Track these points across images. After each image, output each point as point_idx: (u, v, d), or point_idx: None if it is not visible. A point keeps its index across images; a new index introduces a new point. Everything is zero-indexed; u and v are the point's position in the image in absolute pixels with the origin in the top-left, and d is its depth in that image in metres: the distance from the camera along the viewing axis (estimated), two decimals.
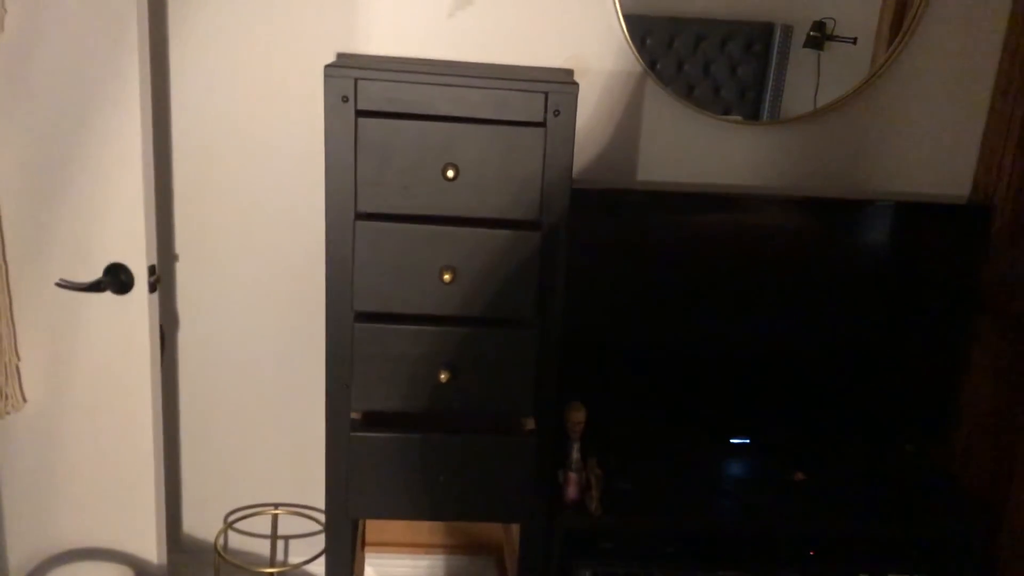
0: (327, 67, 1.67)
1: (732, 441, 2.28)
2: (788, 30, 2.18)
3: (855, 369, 2.25)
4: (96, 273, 1.90)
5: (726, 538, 2.10)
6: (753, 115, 2.23)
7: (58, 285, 1.91)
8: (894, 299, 2.22)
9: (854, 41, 2.18)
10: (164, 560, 2.11)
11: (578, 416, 1.98)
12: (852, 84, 2.20)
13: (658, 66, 2.17)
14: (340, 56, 2.13)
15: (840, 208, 2.19)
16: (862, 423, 2.29)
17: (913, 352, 2.25)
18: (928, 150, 2.28)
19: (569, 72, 2.15)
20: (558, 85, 1.69)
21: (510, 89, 1.69)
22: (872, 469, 2.27)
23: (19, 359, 1.99)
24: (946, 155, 2.29)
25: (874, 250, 2.20)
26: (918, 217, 2.20)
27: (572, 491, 2.01)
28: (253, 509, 2.48)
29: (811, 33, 2.17)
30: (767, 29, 2.18)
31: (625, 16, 2.12)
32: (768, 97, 2.22)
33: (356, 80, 1.67)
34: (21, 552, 2.14)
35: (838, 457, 2.30)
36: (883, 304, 2.22)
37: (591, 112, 2.20)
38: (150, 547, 2.09)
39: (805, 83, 2.21)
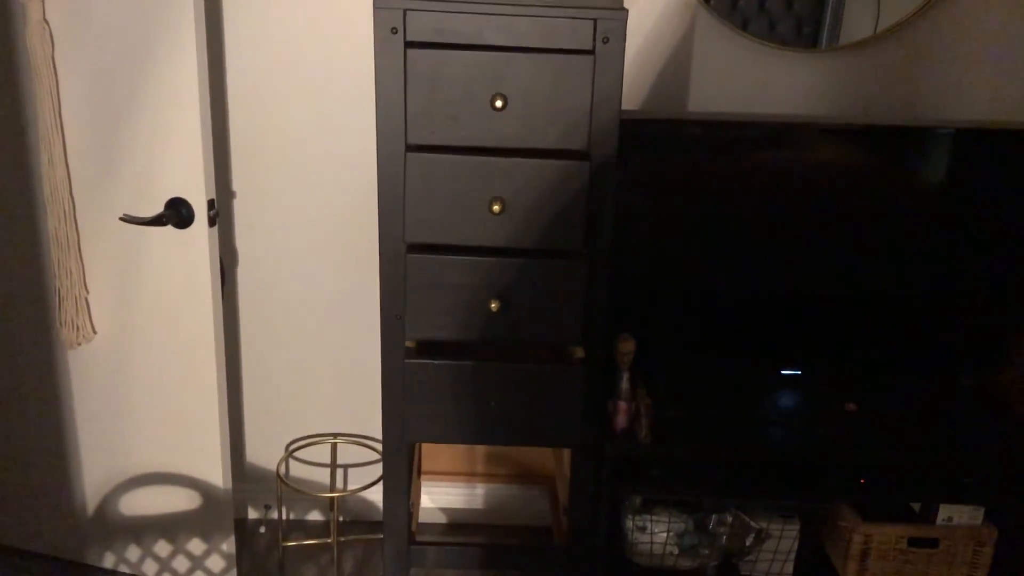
0: None
1: (783, 372, 2.27)
2: None
3: (909, 301, 2.22)
4: (158, 208, 1.96)
5: (775, 466, 2.11)
6: (811, 44, 2.18)
7: (122, 219, 1.97)
8: (953, 230, 2.17)
9: None
10: (229, 486, 2.20)
11: (627, 347, 1.99)
12: (911, 9, 2.14)
13: (711, 2, 2.13)
14: None
15: (899, 136, 2.13)
16: (916, 355, 2.27)
17: (970, 283, 2.21)
18: (990, 76, 2.21)
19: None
20: (607, 12, 1.68)
21: (558, 16, 1.68)
22: (925, 401, 2.25)
23: (88, 292, 2.07)
24: (1008, 80, 2.22)
25: (934, 179, 2.15)
26: (980, 144, 2.14)
27: (622, 420, 2.04)
28: (313, 439, 2.56)
29: None
30: None
31: None
32: (826, 26, 2.17)
33: (405, 11, 1.68)
34: (95, 476, 2.25)
35: (891, 389, 2.28)
36: (941, 235, 2.18)
37: (642, 41, 2.18)
38: (216, 473, 2.18)
39: (864, 11, 2.15)
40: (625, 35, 1.69)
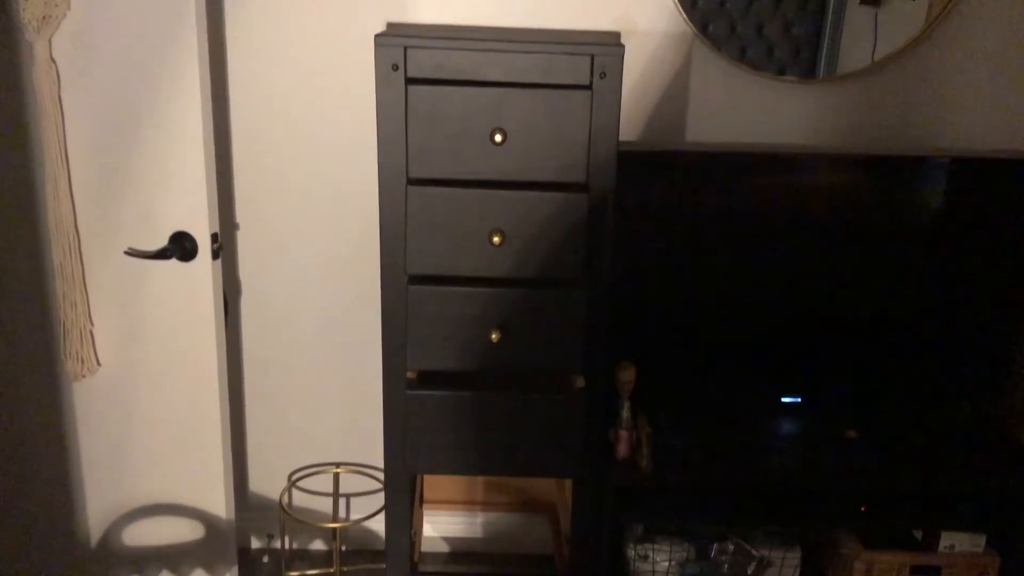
0: (377, 36, 1.71)
1: (783, 400, 2.28)
2: None
3: (909, 328, 2.23)
4: (162, 241, 1.99)
5: (776, 494, 2.11)
6: (808, 74, 2.20)
7: (127, 253, 1.99)
8: (951, 256, 2.19)
9: None
10: (232, 516, 2.20)
11: (628, 375, 2.01)
12: (908, 39, 2.16)
13: (710, 28, 2.16)
14: (390, 25, 2.17)
15: (896, 165, 2.16)
16: (916, 381, 2.27)
17: (969, 310, 2.23)
18: (987, 104, 2.24)
19: (616, 35, 2.15)
20: (604, 47, 1.71)
21: (556, 53, 1.71)
22: (926, 427, 2.26)
23: (92, 324, 2.09)
24: (1005, 109, 2.24)
25: (930, 207, 2.17)
26: (975, 173, 2.16)
27: (623, 449, 2.05)
28: (315, 468, 2.57)
29: None
30: None
31: None
32: (824, 55, 2.19)
33: (406, 48, 1.71)
34: (99, 507, 2.26)
35: (891, 416, 2.29)
36: (939, 261, 2.19)
37: (640, 73, 2.20)
38: (219, 503, 2.18)
39: (862, 41, 2.18)
40: (622, 70, 1.72)
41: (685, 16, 2.14)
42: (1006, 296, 2.22)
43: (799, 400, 2.28)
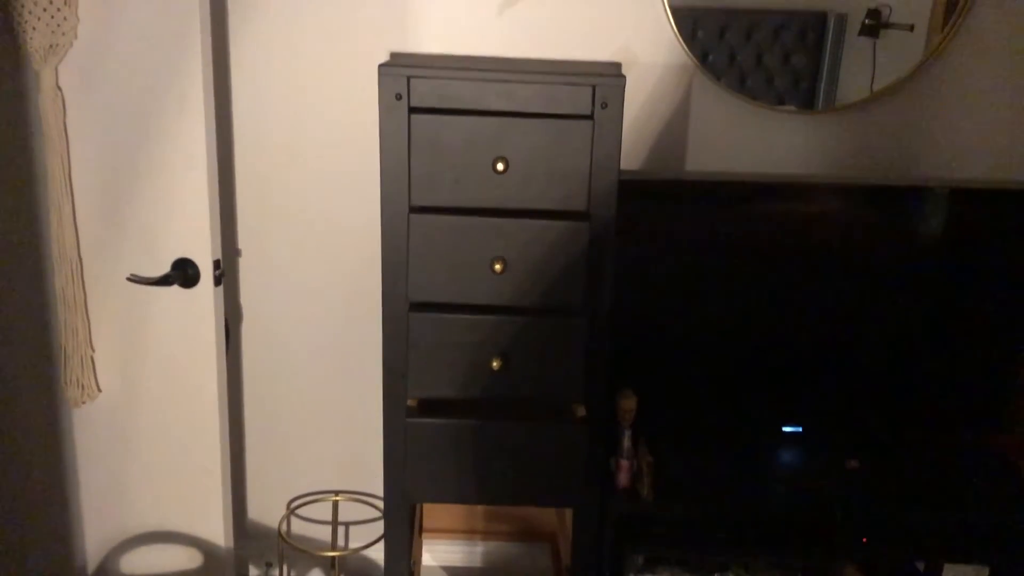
0: (381, 66, 1.72)
1: (785, 429, 2.27)
2: (842, 19, 2.16)
3: (910, 357, 2.23)
4: (164, 268, 1.99)
5: (778, 525, 2.10)
6: (807, 104, 2.22)
7: (129, 280, 2.00)
8: (951, 286, 2.19)
9: (911, 28, 2.16)
10: (231, 544, 2.19)
11: (629, 404, 2.00)
12: (907, 69, 2.18)
13: (710, 58, 2.18)
14: (393, 55, 2.19)
15: (895, 195, 2.17)
16: (918, 411, 2.27)
17: (970, 339, 2.23)
18: (985, 134, 2.25)
19: (617, 65, 2.17)
20: (605, 79, 1.72)
21: (558, 83, 1.72)
22: (928, 457, 2.25)
23: (93, 350, 2.09)
24: (1004, 139, 2.26)
25: (930, 236, 2.18)
26: (975, 203, 2.17)
27: (624, 478, 2.04)
28: (315, 496, 2.55)
29: (866, 21, 2.15)
30: (820, 19, 2.17)
31: (673, 8, 2.13)
32: (823, 86, 2.21)
33: (409, 78, 1.72)
34: (97, 534, 2.25)
35: (893, 446, 2.28)
36: (939, 291, 2.20)
37: (641, 104, 2.22)
38: (217, 531, 2.17)
39: (860, 72, 2.20)
40: (623, 101, 1.73)
41: (685, 47, 2.16)
42: (1007, 325, 2.22)
43: (800, 430, 2.27)
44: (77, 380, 2.08)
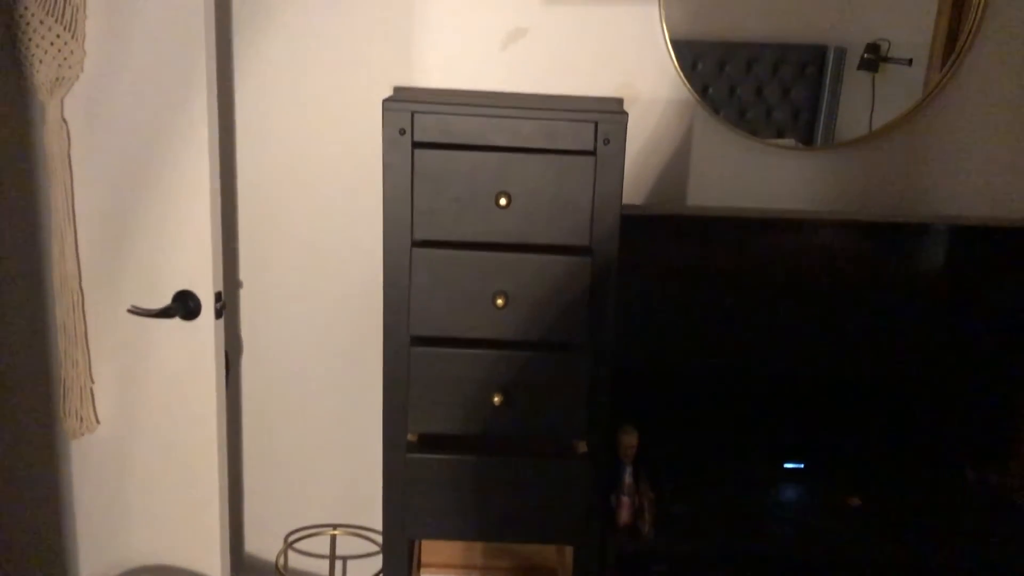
0: (385, 101, 1.73)
1: (786, 466, 2.26)
2: (841, 52, 2.18)
3: (912, 394, 2.23)
4: (165, 300, 1.99)
5: (779, 562, 2.08)
6: (807, 138, 2.23)
7: (130, 311, 1.99)
8: (952, 323, 2.19)
9: (909, 63, 2.18)
10: None
11: (630, 440, 2.00)
12: (907, 106, 2.20)
13: (710, 90, 2.19)
14: (397, 90, 2.20)
15: (896, 232, 2.18)
16: (920, 448, 2.26)
17: (972, 377, 2.22)
18: (986, 172, 2.26)
19: (619, 101, 2.19)
20: (607, 115, 1.73)
21: (560, 119, 1.73)
22: (930, 495, 2.24)
23: (93, 382, 2.08)
24: (1004, 177, 2.27)
25: (931, 273, 2.18)
26: (975, 241, 2.18)
27: (625, 515, 2.02)
28: (313, 530, 2.53)
29: (865, 55, 2.17)
30: (820, 52, 2.19)
31: (674, 43, 2.15)
32: (822, 121, 2.22)
33: (413, 113, 1.73)
34: (93, 567, 2.22)
35: (895, 483, 2.27)
36: (941, 329, 2.20)
37: (644, 140, 2.23)
38: (214, 565, 2.15)
39: (859, 106, 2.21)
40: (625, 136, 1.74)
41: (686, 82, 2.17)
42: (1008, 362, 2.21)
43: (802, 466, 2.26)
44: (76, 412, 2.07)
